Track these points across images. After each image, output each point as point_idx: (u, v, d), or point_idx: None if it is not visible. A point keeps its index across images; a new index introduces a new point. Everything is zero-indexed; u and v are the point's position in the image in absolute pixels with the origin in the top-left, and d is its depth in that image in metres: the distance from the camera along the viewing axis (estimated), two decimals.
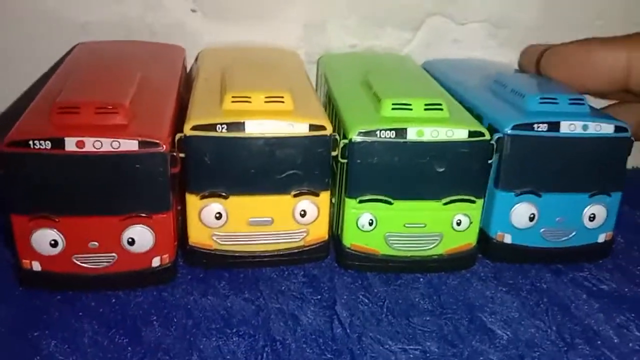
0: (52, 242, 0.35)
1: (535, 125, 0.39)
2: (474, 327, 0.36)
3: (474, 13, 0.54)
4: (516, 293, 0.39)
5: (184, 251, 0.39)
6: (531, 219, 0.41)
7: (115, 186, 0.35)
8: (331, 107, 0.44)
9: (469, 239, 0.41)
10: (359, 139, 0.37)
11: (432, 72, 0.51)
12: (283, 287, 0.39)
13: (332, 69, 0.50)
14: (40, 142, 0.33)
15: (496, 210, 0.41)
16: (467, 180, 0.39)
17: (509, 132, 0.39)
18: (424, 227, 0.39)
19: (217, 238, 0.38)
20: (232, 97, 0.37)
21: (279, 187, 0.38)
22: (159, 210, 0.36)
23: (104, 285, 0.37)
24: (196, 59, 0.51)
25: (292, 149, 0.37)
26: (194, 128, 0.36)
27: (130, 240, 0.36)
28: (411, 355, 0.34)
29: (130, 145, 0.34)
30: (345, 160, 0.38)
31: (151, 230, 0.36)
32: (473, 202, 0.39)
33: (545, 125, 0.39)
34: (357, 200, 0.39)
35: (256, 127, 0.36)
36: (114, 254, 0.36)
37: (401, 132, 0.37)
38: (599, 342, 0.36)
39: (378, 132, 0.37)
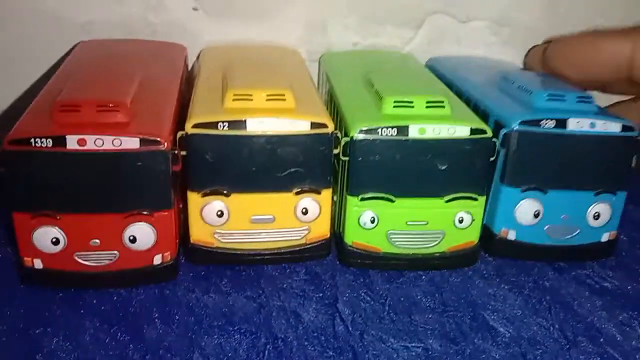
0: (54, 239, 0.35)
1: (543, 122, 0.39)
2: (476, 325, 0.36)
3: (476, 11, 0.54)
4: (519, 291, 0.39)
5: (185, 249, 0.39)
6: (536, 216, 0.40)
7: (116, 184, 0.35)
8: (333, 105, 0.44)
9: (471, 237, 0.40)
10: (360, 136, 0.37)
11: (437, 69, 0.51)
12: (285, 285, 0.39)
13: (334, 67, 0.50)
14: (42, 140, 0.33)
15: (501, 206, 0.41)
16: (469, 178, 0.39)
17: (516, 127, 0.39)
18: (426, 224, 0.39)
19: (219, 236, 0.38)
20: (234, 95, 0.37)
21: (280, 185, 0.38)
22: (161, 208, 0.36)
23: (105, 282, 0.37)
24: (197, 57, 0.51)
25: (293, 147, 0.37)
26: (196, 126, 0.36)
27: (131, 238, 0.36)
28: (413, 353, 0.34)
29: (131, 143, 0.34)
30: (347, 158, 0.38)
31: (153, 228, 0.36)
32: (475, 199, 0.39)
33: (553, 121, 0.39)
34: (359, 198, 0.39)
35: (258, 125, 0.36)
36: (115, 252, 0.36)
37: (403, 129, 0.37)
38: (601, 340, 0.35)
39: (380, 130, 0.37)
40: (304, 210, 0.38)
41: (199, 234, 0.38)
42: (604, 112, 0.41)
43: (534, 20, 0.54)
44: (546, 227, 0.41)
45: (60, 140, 0.33)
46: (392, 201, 0.39)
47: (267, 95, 0.37)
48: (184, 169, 0.37)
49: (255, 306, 0.37)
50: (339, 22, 0.53)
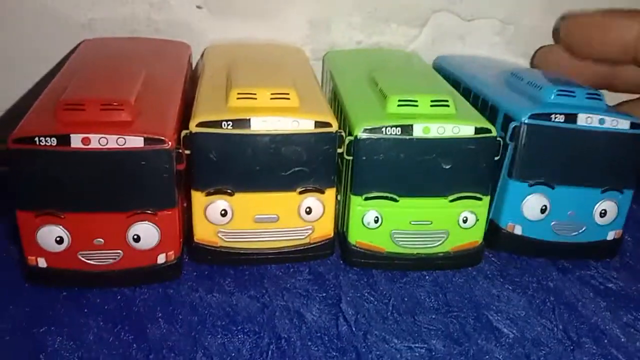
0: (58, 238, 0.35)
1: (553, 116, 0.39)
2: (480, 326, 0.36)
3: (480, 9, 0.54)
4: (522, 291, 0.39)
5: (189, 248, 0.39)
6: (543, 211, 0.40)
7: (120, 183, 0.35)
8: (337, 104, 0.44)
9: (476, 237, 0.40)
10: (364, 135, 0.37)
11: (445, 67, 0.50)
12: (288, 285, 0.39)
13: (338, 65, 0.49)
14: (46, 138, 0.33)
15: (508, 200, 0.41)
16: (473, 177, 0.39)
17: (526, 121, 0.39)
18: (430, 224, 0.39)
19: (223, 235, 0.38)
20: (238, 93, 0.37)
21: (284, 184, 0.38)
22: (165, 207, 0.36)
23: (109, 282, 0.37)
24: (202, 56, 0.51)
25: (297, 146, 0.37)
26: (200, 125, 0.36)
27: (135, 237, 0.36)
28: (417, 354, 0.34)
29: (135, 142, 0.34)
30: (351, 157, 0.38)
31: (156, 227, 0.36)
32: (479, 199, 0.39)
33: (563, 116, 0.39)
34: (363, 197, 0.38)
35: (262, 124, 0.36)
36: (119, 251, 0.36)
37: (407, 128, 0.37)
38: (605, 341, 0.35)
39: (384, 129, 0.37)
40: (307, 210, 0.38)
41: (202, 233, 0.38)
42: (612, 110, 0.41)
43: (539, 19, 0.54)
44: (553, 222, 0.41)
45: (64, 139, 0.33)
46: (396, 201, 0.39)
47: (271, 94, 0.37)
48: (188, 168, 0.36)
49: (259, 306, 0.37)
50: (343, 20, 0.53)
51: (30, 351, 0.33)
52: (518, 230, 0.41)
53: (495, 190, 0.41)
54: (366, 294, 0.38)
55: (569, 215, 0.41)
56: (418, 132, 0.37)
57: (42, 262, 0.36)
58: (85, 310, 0.36)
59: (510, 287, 0.40)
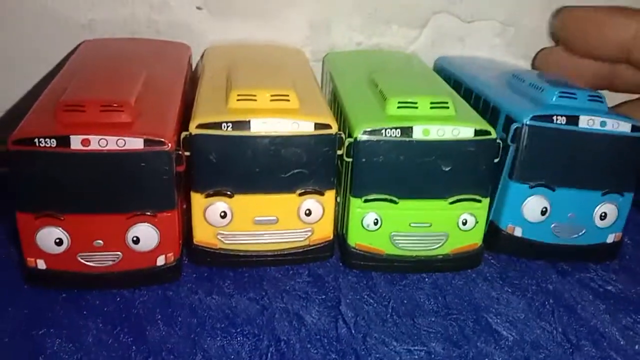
0: (57, 240, 0.35)
1: (554, 117, 0.39)
2: (479, 328, 0.36)
3: (480, 11, 0.54)
4: (522, 294, 0.39)
5: (188, 250, 0.39)
6: (543, 213, 0.40)
7: (120, 184, 0.35)
8: (336, 106, 0.43)
9: (475, 239, 0.40)
10: (364, 137, 0.37)
11: (447, 67, 0.50)
12: (288, 287, 0.39)
13: (338, 67, 0.49)
14: (46, 140, 0.33)
15: (508, 201, 0.40)
16: (473, 180, 0.39)
17: (528, 122, 0.39)
18: (430, 226, 0.39)
19: (222, 237, 0.38)
20: (238, 95, 0.37)
21: (284, 186, 0.38)
22: (164, 208, 0.36)
23: (108, 283, 0.37)
24: (202, 57, 0.51)
25: (297, 148, 0.37)
26: (200, 126, 0.36)
27: (135, 238, 0.36)
28: (416, 356, 0.34)
29: (135, 143, 0.34)
30: (351, 159, 0.38)
31: (156, 229, 0.36)
32: (479, 201, 0.39)
33: (564, 118, 0.39)
34: (362, 199, 0.38)
35: (261, 126, 0.36)
36: (118, 253, 0.36)
37: (407, 130, 0.37)
38: (605, 344, 0.35)
39: (383, 131, 0.37)
40: (307, 212, 0.38)
41: (202, 235, 0.38)
42: (613, 112, 0.41)
43: (539, 20, 0.54)
44: (553, 225, 0.41)
45: (64, 140, 0.33)
46: (396, 203, 0.39)
47: (271, 96, 0.37)
48: (188, 169, 0.36)
49: (258, 308, 0.37)
50: (342, 21, 0.53)
51: (29, 353, 0.33)
52: (518, 232, 0.41)
53: (495, 192, 0.41)
54: (365, 297, 0.38)
55: (569, 218, 0.41)
56: (418, 134, 0.37)
57: (41, 264, 0.36)
58: (85, 312, 0.35)
59: (509, 290, 0.40)
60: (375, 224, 0.39)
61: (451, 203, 0.39)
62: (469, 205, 0.39)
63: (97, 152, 0.34)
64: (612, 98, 0.51)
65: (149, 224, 0.36)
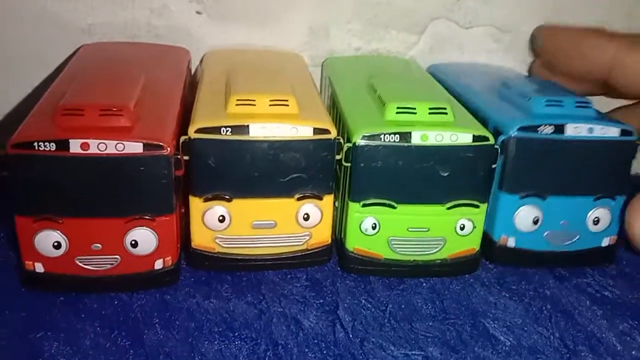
0: (56, 243, 0.35)
1: (541, 128, 0.39)
2: (476, 333, 0.36)
3: (478, 17, 0.54)
4: (519, 299, 0.39)
5: (187, 254, 0.39)
6: (535, 222, 0.40)
7: (119, 188, 0.35)
8: (335, 111, 0.44)
9: (473, 244, 0.40)
10: (362, 142, 0.37)
11: (437, 75, 0.51)
12: (285, 291, 0.39)
13: (337, 72, 0.50)
14: (45, 143, 0.33)
15: (500, 213, 0.41)
16: (471, 185, 0.39)
17: (514, 134, 0.39)
18: (427, 231, 0.39)
19: (220, 241, 0.38)
20: (237, 100, 0.37)
21: (282, 191, 0.38)
22: (163, 212, 0.36)
23: (106, 287, 0.37)
24: (201, 61, 0.51)
25: (296, 153, 0.37)
26: (199, 131, 0.36)
27: (133, 242, 0.36)
28: None
29: (134, 147, 0.34)
30: (349, 164, 0.38)
31: (154, 233, 0.36)
32: (477, 206, 0.39)
33: (551, 127, 0.39)
34: (361, 204, 0.39)
35: (260, 131, 0.36)
36: (117, 256, 0.36)
37: (405, 136, 0.37)
38: (602, 349, 0.35)
39: (382, 136, 0.37)
40: (305, 216, 0.38)
41: (200, 239, 0.38)
42: (602, 117, 0.41)
43: (537, 26, 0.54)
44: (546, 233, 0.41)
45: (63, 144, 0.33)
46: (394, 207, 0.39)
47: (270, 101, 0.37)
48: (186, 173, 0.37)
49: (256, 312, 0.37)
50: (342, 27, 0.53)
51: (27, 356, 0.33)
52: (511, 243, 0.41)
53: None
54: (363, 301, 0.38)
55: (562, 225, 0.41)
56: (416, 139, 0.37)
57: (39, 267, 0.36)
58: (82, 316, 0.35)
59: (507, 295, 0.40)
60: (374, 228, 0.39)
61: (449, 208, 0.39)
62: (466, 210, 0.39)
63: (96, 156, 0.34)
64: (608, 102, 0.51)
65: (147, 228, 0.36)
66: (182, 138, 0.36)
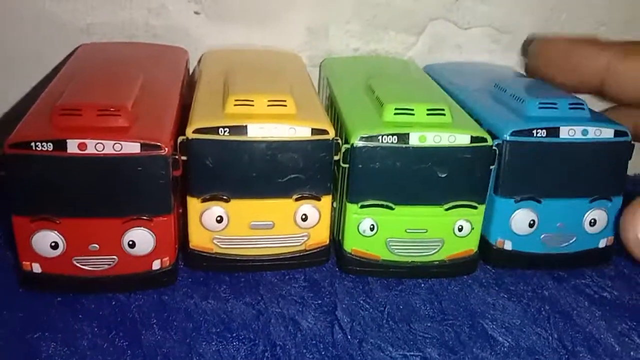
0: (53, 244, 0.35)
1: (535, 131, 0.39)
2: (475, 334, 0.36)
3: (477, 18, 0.54)
4: (518, 300, 0.39)
5: (184, 254, 0.39)
6: (531, 225, 0.40)
7: (116, 188, 0.35)
8: (333, 111, 0.44)
9: (471, 245, 0.40)
10: (360, 143, 0.37)
11: (432, 77, 0.51)
12: (284, 292, 0.39)
13: (335, 72, 0.49)
14: (42, 144, 0.33)
15: (496, 216, 0.41)
16: (469, 186, 0.39)
17: (508, 138, 0.39)
18: (426, 232, 0.39)
19: (218, 241, 0.38)
20: (235, 100, 0.37)
21: (280, 191, 0.38)
22: (160, 213, 0.36)
23: (104, 287, 0.37)
24: (199, 62, 0.51)
25: (294, 153, 0.37)
26: (196, 131, 0.36)
27: (130, 242, 0.36)
28: None
29: (132, 147, 0.34)
30: (347, 165, 0.38)
31: (152, 233, 0.36)
32: (475, 207, 0.39)
33: (545, 130, 0.39)
34: (359, 205, 0.39)
35: (258, 131, 0.36)
36: (114, 257, 0.36)
37: (403, 137, 0.37)
38: (600, 350, 0.35)
39: (380, 137, 0.37)
40: (303, 217, 0.38)
41: (198, 239, 0.38)
42: (597, 118, 0.41)
43: (536, 27, 0.54)
44: (542, 235, 0.41)
45: (60, 144, 0.33)
46: (392, 209, 0.39)
47: (269, 101, 0.37)
48: (184, 174, 0.36)
49: (254, 313, 0.37)
50: (340, 27, 0.53)
51: (24, 356, 0.33)
52: (508, 246, 0.41)
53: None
54: (361, 302, 0.38)
55: (559, 227, 0.41)
56: (414, 140, 0.37)
57: (36, 268, 0.36)
58: (80, 316, 0.35)
59: (505, 296, 0.40)
60: (372, 229, 0.39)
61: (447, 209, 0.39)
62: (464, 211, 0.39)
63: (93, 156, 0.34)
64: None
65: (144, 228, 0.36)
66: (180, 138, 0.36)
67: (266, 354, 0.34)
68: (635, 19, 0.55)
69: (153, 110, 0.37)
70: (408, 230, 0.39)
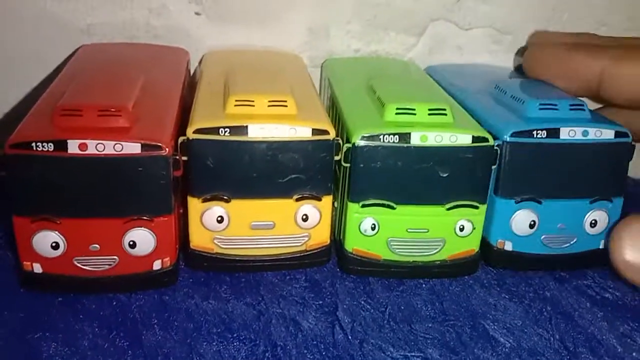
0: (54, 244, 0.35)
1: (535, 132, 0.39)
2: (476, 335, 0.36)
3: (478, 18, 0.54)
4: (519, 300, 0.39)
5: (185, 254, 0.39)
6: (532, 226, 0.40)
7: (117, 189, 0.35)
8: (334, 111, 0.44)
9: (472, 245, 0.40)
10: (362, 143, 0.37)
11: (433, 78, 0.50)
12: (284, 292, 0.38)
13: (336, 73, 0.49)
14: (43, 144, 0.33)
15: (496, 217, 0.41)
16: (470, 186, 0.39)
17: (508, 139, 0.39)
18: (427, 232, 0.39)
19: (219, 242, 0.38)
20: (236, 100, 0.37)
21: (281, 191, 0.38)
22: (161, 213, 0.36)
23: (104, 288, 0.37)
24: (200, 62, 0.51)
25: (294, 153, 0.37)
26: (197, 131, 0.36)
27: (131, 243, 0.36)
28: None
29: (132, 148, 0.34)
30: (348, 165, 0.38)
31: (153, 234, 0.36)
32: (476, 207, 0.39)
33: (545, 131, 0.39)
34: (360, 204, 0.38)
35: (259, 131, 0.36)
36: (115, 257, 0.36)
37: (405, 136, 0.37)
38: (602, 351, 0.35)
39: (381, 137, 0.37)
40: (304, 217, 0.38)
41: (198, 239, 0.38)
42: (597, 119, 0.41)
43: (537, 27, 0.54)
44: (543, 236, 0.41)
45: (61, 145, 0.33)
46: (393, 208, 0.39)
47: (269, 101, 0.37)
48: (185, 174, 0.36)
49: (255, 313, 0.36)
50: (341, 28, 0.53)
51: (25, 357, 0.32)
52: (508, 247, 0.41)
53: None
54: (362, 302, 0.38)
55: (559, 228, 0.41)
56: (416, 140, 0.37)
57: (37, 268, 0.36)
58: (81, 316, 0.35)
59: (507, 296, 0.39)
60: (373, 229, 0.39)
61: (448, 209, 0.39)
62: (466, 211, 0.39)
63: (94, 157, 0.34)
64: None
65: (145, 229, 0.36)
66: (181, 139, 0.36)
67: (267, 355, 0.34)
68: (636, 19, 0.55)
69: (154, 110, 0.37)
70: (409, 230, 0.39)
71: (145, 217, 0.35)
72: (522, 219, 0.40)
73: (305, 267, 0.40)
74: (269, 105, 0.37)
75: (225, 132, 0.36)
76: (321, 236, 0.39)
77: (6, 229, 0.36)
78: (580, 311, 0.39)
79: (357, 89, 0.45)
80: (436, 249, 0.40)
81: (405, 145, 0.37)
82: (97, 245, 0.36)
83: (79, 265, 0.36)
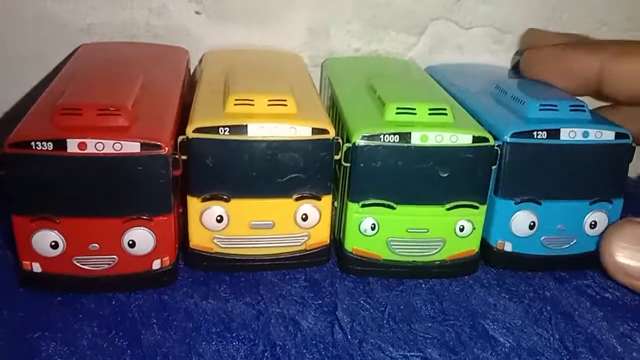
0: (53, 243, 0.35)
1: (535, 133, 0.39)
2: (476, 334, 0.36)
3: (478, 17, 0.54)
4: (519, 300, 0.39)
5: (184, 254, 0.39)
6: (531, 227, 0.40)
7: (116, 188, 0.35)
8: (335, 111, 0.44)
9: (472, 245, 0.40)
10: (362, 142, 0.37)
11: (434, 78, 0.50)
12: (284, 292, 0.38)
13: (336, 72, 0.49)
14: (42, 143, 0.33)
15: (496, 218, 0.41)
16: (470, 186, 0.39)
17: (508, 139, 0.39)
18: (427, 232, 0.39)
19: (218, 241, 0.38)
20: (235, 99, 0.37)
21: (280, 191, 0.38)
22: (160, 212, 0.36)
23: (104, 287, 0.37)
24: (200, 61, 0.51)
25: (294, 153, 0.37)
26: (197, 130, 0.36)
27: (130, 242, 0.36)
28: None
29: (132, 147, 0.34)
30: (348, 164, 0.38)
31: (152, 233, 0.36)
32: (476, 207, 0.39)
33: (545, 132, 0.39)
34: (360, 204, 0.38)
35: (259, 130, 0.36)
36: (114, 256, 0.36)
37: (405, 136, 0.37)
38: (602, 351, 0.35)
39: (382, 136, 0.37)
40: (303, 216, 0.38)
41: (198, 239, 0.38)
42: (597, 120, 0.41)
43: (538, 26, 0.54)
44: (542, 237, 0.41)
45: (60, 144, 0.33)
46: (393, 208, 0.39)
47: (269, 101, 0.37)
48: (184, 173, 0.36)
49: (254, 313, 0.36)
50: (341, 27, 0.53)
51: (24, 356, 0.32)
52: (508, 247, 0.41)
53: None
54: (362, 302, 0.38)
55: (559, 229, 0.41)
56: (416, 140, 0.37)
57: (36, 267, 0.36)
58: (80, 316, 0.35)
59: (506, 296, 0.39)
60: (373, 229, 0.39)
61: (448, 209, 0.39)
62: (466, 211, 0.39)
63: (93, 156, 0.34)
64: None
65: (145, 228, 0.36)
66: (180, 138, 0.36)
67: (266, 354, 0.34)
68: (636, 19, 0.55)
69: (153, 110, 0.37)
70: (409, 230, 0.39)
71: (144, 217, 0.35)
72: (521, 219, 0.40)
73: (304, 267, 0.40)
74: (268, 105, 0.37)
75: (224, 131, 0.36)
76: (321, 236, 0.39)
77: (5, 229, 0.36)
78: (580, 311, 0.38)
79: (357, 89, 0.45)
80: (436, 249, 0.40)
81: (405, 145, 0.37)
82: (96, 245, 0.35)
83: (78, 264, 0.36)
